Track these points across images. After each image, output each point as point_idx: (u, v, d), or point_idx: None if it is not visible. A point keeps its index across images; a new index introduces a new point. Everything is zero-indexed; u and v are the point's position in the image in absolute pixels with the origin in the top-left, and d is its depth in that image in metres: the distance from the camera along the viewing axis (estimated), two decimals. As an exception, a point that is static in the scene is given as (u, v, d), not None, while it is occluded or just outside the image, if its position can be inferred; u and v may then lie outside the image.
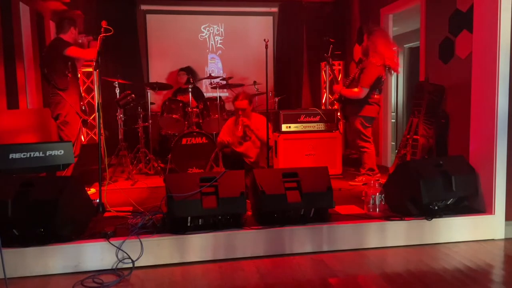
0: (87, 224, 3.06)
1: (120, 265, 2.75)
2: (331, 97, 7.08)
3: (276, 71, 7.47)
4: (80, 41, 4.34)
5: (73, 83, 4.23)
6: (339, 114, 4.80)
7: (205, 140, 5.38)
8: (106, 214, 3.38)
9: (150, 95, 5.82)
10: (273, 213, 3.08)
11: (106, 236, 2.79)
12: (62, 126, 4.19)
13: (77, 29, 4.33)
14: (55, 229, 2.72)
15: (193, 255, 2.87)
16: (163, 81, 6.86)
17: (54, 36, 6.10)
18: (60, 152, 2.96)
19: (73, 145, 4.09)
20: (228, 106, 5.95)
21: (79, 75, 4.57)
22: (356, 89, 4.47)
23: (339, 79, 6.99)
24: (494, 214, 3.27)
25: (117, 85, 5.49)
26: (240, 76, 6.75)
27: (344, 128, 6.94)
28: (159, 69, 7.20)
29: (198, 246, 2.88)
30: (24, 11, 5.16)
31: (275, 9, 7.51)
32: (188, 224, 2.95)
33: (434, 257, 2.93)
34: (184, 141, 5.37)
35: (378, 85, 4.50)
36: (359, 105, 4.52)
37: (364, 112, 4.53)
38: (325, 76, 7.08)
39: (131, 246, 2.78)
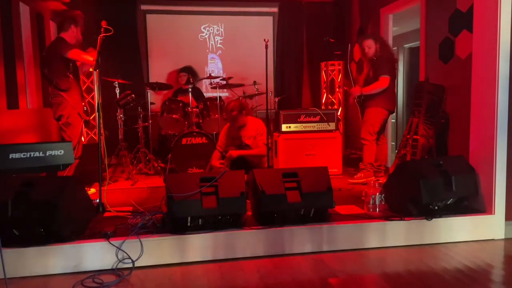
0: (87, 224, 3.07)
1: (120, 265, 2.75)
2: (331, 97, 7.09)
3: (276, 71, 7.47)
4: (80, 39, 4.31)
5: (74, 84, 4.20)
6: (360, 116, 4.81)
7: (205, 140, 5.38)
8: (106, 214, 3.37)
9: (150, 95, 5.82)
10: (273, 213, 3.08)
11: (106, 236, 2.79)
12: (64, 127, 4.16)
13: (79, 27, 4.29)
14: (55, 229, 2.72)
15: (193, 255, 2.87)
16: (163, 81, 6.86)
17: (55, 35, 6.12)
18: (60, 152, 2.96)
19: (76, 146, 4.10)
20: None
21: (80, 76, 4.56)
22: (378, 82, 4.53)
23: (339, 79, 7.01)
24: (494, 214, 3.27)
25: (117, 85, 5.48)
26: (240, 76, 6.75)
27: (344, 128, 6.95)
28: (159, 69, 7.20)
29: (198, 246, 2.88)
30: (24, 11, 5.16)
31: (275, 9, 7.51)
32: (188, 224, 2.95)
33: (434, 257, 2.93)
34: (184, 141, 5.37)
35: (394, 74, 4.62)
36: (381, 96, 4.57)
37: (384, 104, 4.59)
38: (325, 76, 7.09)
39: (131, 246, 2.78)
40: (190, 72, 6.68)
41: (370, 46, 4.63)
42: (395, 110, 7.56)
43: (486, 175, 3.32)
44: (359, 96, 4.73)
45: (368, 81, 4.68)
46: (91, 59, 4.00)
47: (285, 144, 5.07)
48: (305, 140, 5.11)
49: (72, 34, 4.21)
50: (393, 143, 6.97)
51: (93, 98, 6.08)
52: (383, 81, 4.51)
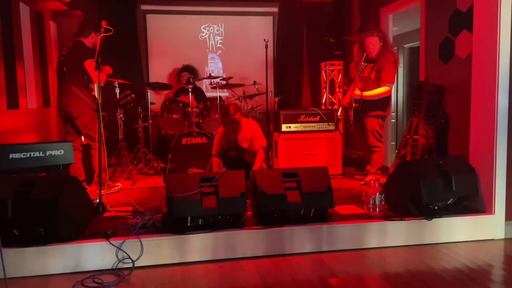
0: (87, 224, 3.07)
1: (120, 265, 2.76)
2: (331, 97, 7.09)
3: (276, 71, 7.46)
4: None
5: (87, 85, 4.40)
6: (351, 120, 4.65)
7: (205, 140, 5.38)
8: (106, 214, 3.38)
9: (150, 95, 5.82)
10: (273, 213, 3.09)
11: (106, 236, 2.79)
12: (90, 126, 4.31)
13: (98, 34, 4.36)
14: (55, 229, 2.72)
15: (193, 255, 2.88)
16: (164, 81, 6.85)
17: (55, 35, 6.13)
18: (60, 152, 2.96)
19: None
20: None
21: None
22: (382, 89, 4.43)
23: (339, 79, 7.01)
24: (494, 214, 3.27)
25: (117, 85, 5.48)
26: (240, 76, 6.75)
27: (344, 128, 6.95)
28: (159, 69, 7.20)
29: (198, 246, 2.88)
30: (24, 11, 5.16)
31: (275, 9, 7.51)
32: (188, 224, 2.95)
33: (434, 257, 2.93)
34: (184, 141, 5.37)
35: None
36: (380, 104, 4.49)
37: (384, 111, 4.54)
38: (325, 76, 7.09)
39: (131, 246, 2.78)
40: (191, 71, 6.67)
41: (375, 44, 4.44)
42: (395, 110, 7.62)
43: (486, 175, 3.32)
44: (357, 100, 4.51)
45: (368, 84, 4.47)
46: (95, 79, 4.16)
47: (285, 144, 5.07)
48: (305, 140, 5.11)
49: (91, 40, 4.40)
50: (393, 143, 6.97)
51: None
52: (387, 90, 4.41)
